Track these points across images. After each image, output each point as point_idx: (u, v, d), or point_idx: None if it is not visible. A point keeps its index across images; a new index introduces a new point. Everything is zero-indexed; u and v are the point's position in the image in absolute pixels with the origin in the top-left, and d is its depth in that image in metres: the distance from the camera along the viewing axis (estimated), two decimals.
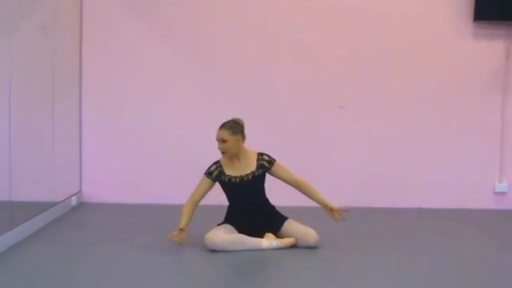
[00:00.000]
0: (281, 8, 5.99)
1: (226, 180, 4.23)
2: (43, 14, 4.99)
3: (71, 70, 5.77)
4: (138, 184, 6.03)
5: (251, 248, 4.12)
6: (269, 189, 4.40)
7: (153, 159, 6.02)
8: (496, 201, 6.11)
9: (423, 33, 6.00)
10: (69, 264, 3.84)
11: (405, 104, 6.04)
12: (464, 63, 6.03)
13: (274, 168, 4.29)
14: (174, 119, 6.01)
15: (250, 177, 4.23)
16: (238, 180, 4.22)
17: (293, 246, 4.21)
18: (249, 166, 4.25)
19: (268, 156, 4.32)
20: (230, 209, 4.34)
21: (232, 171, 4.23)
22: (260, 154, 4.31)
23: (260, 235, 4.21)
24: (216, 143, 4.19)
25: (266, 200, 4.37)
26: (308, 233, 4.24)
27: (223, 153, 4.20)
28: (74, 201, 5.71)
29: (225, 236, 4.11)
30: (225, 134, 4.14)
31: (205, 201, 5.73)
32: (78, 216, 5.41)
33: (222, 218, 4.32)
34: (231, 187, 4.24)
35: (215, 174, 4.23)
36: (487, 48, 6.00)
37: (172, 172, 6.01)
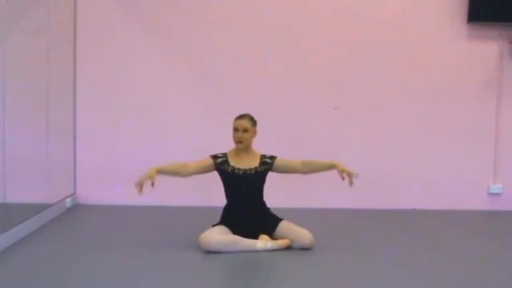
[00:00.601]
0: (276, 10, 5.99)
1: (229, 170, 4.26)
2: (37, 17, 4.98)
3: (66, 72, 5.76)
4: (133, 186, 6.00)
5: (245, 249, 4.12)
6: (265, 191, 4.41)
7: (147, 160, 5.99)
8: (490, 202, 6.12)
9: (417, 34, 6.01)
10: (64, 266, 3.83)
11: (399, 105, 6.05)
12: (458, 64, 6.04)
13: (276, 162, 4.34)
14: (169, 121, 6.00)
15: (253, 171, 4.28)
16: (241, 172, 4.26)
17: (288, 248, 4.21)
18: (253, 163, 4.31)
19: (270, 155, 4.39)
20: (227, 207, 4.35)
21: (237, 163, 4.28)
22: (263, 155, 4.37)
23: (255, 236, 4.22)
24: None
25: (263, 202, 4.39)
26: (303, 235, 4.24)
27: (239, 142, 4.25)
28: (68, 203, 5.70)
29: (220, 237, 4.11)
30: (248, 124, 4.24)
31: (201, 202, 5.80)
32: (72, 218, 5.40)
33: (217, 220, 4.32)
34: (233, 178, 4.27)
35: (219, 160, 4.28)
36: (481, 49, 6.02)
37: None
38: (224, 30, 5.98)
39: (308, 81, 6.00)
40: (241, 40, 5.98)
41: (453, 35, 6.02)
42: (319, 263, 3.96)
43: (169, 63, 5.96)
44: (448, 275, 3.73)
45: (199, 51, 5.97)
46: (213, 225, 4.28)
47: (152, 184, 4.08)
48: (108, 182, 5.99)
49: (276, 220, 4.33)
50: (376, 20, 6.00)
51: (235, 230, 4.21)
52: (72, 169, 5.95)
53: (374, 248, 4.39)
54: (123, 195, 5.96)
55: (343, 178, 4.24)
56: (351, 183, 4.22)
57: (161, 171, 4.17)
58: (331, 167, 4.32)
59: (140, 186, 4.08)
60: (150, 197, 5.92)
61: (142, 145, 5.99)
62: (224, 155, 4.32)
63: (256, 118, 4.37)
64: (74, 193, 5.95)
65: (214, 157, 4.30)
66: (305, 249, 4.21)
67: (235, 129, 4.27)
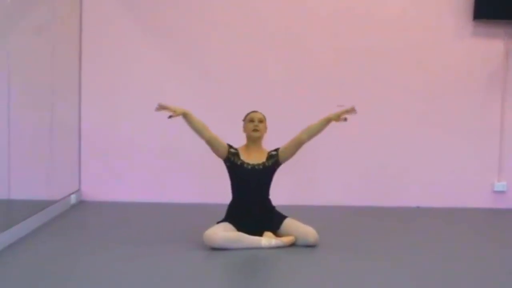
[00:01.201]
0: (277, 11, 5.99)
1: (239, 163, 4.30)
2: (42, 15, 4.98)
3: (71, 70, 5.76)
4: (137, 182, 6.03)
5: (250, 246, 4.12)
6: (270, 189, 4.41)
7: (151, 158, 6.02)
8: (495, 200, 6.11)
9: (423, 32, 6.00)
10: (68, 262, 3.84)
11: (404, 103, 6.04)
12: (463, 62, 6.03)
13: (281, 150, 4.39)
14: (172, 119, 5.98)
15: (261, 166, 4.32)
16: (249, 167, 4.30)
17: (292, 245, 4.21)
18: (261, 158, 4.36)
19: (274, 149, 4.44)
20: (232, 204, 4.36)
21: (246, 158, 4.34)
22: (269, 151, 4.43)
23: (259, 233, 4.22)
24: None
25: (269, 199, 4.40)
26: (308, 232, 4.24)
27: (255, 131, 4.32)
28: (73, 199, 5.71)
29: (224, 234, 4.11)
30: (262, 116, 4.39)
31: (206, 199, 5.80)
32: (77, 214, 5.41)
33: (221, 217, 4.32)
34: (241, 171, 4.29)
35: (232, 151, 4.35)
36: (486, 47, 6.00)
37: (170, 171, 6.00)
38: (225, 30, 5.97)
39: (308, 81, 5.98)
40: (242, 40, 5.97)
41: (459, 33, 6.00)
42: (323, 261, 3.95)
43: (172, 63, 5.95)
44: (451, 274, 3.73)
45: (201, 52, 5.96)
46: (218, 222, 4.28)
47: (170, 117, 4.18)
48: (112, 179, 5.99)
49: (281, 218, 4.34)
50: (378, 18, 5.99)
51: (240, 227, 4.21)
52: (77, 166, 5.95)
53: (378, 246, 4.39)
54: (127, 192, 5.98)
55: (345, 119, 4.31)
56: (353, 111, 4.28)
57: (187, 116, 4.24)
58: (327, 122, 4.38)
59: (162, 108, 4.16)
60: (154, 194, 5.98)
61: (145, 143, 5.99)
62: (236, 149, 4.37)
63: None
64: (79, 189, 5.96)
65: (229, 146, 4.35)
66: (309, 246, 4.21)
67: (251, 120, 4.35)
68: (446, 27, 6.01)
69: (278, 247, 4.15)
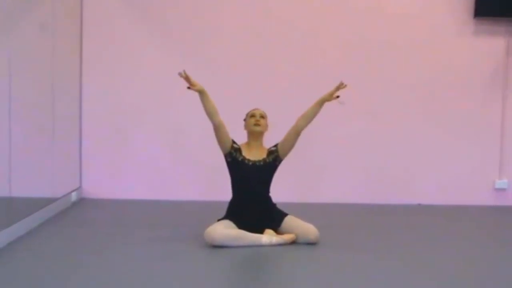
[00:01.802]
0: (282, 8, 5.98)
1: (240, 159, 4.30)
2: (43, 14, 4.97)
3: (71, 68, 5.76)
4: (138, 180, 6.03)
5: (251, 244, 4.12)
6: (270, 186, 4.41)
7: (152, 155, 6.02)
8: (496, 197, 6.12)
9: (424, 30, 6.00)
10: (69, 260, 3.83)
11: (405, 101, 6.04)
12: (464, 59, 6.03)
13: (280, 144, 4.40)
14: (173, 117, 6.00)
15: (261, 163, 4.33)
16: (250, 163, 4.31)
17: (293, 242, 4.21)
18: (262, 155, 4.38)
19: (273, 145, 4.46)
20: (233, 201, 4.36)
21: (247, 155, 4.35)
22: (269, 148, 4.45)
23: (260, 231, 4.22)
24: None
25: (269, 197, 4.40)
26: (309, 229, 4.24)
27: (257, 125, 4.34)
28: (74, 197, 5.71)
29: (225, 231, 4.11)
30: (263, 113, 4.43)
31: (206, 197, 5.80)
32: (78, 212, 5.41)
33: (223, 214, 4.32)
34: (242, 167, 4.30)
35: (235, 146, 4.36)
36: (487, 44, 6.00)
37: (171, 168, 6.01)
38: (230, 30, 5.96)
39: (312, 79, 5.96)
40: (248, 40, 5.97)
41: (460, 31, 6.00)
42: (324, 258, 3.95)
43: (174, 62, 5.90)
44: (452, 271, 3.73)
45: (204, 51, 5.94)
46: (219, 220, 4.28)
47: (188, 87, 4.20)
48: (114, 176, 6.00)
49: (282, 215, 4.33)
50: (381, 16, 5.98)
51: (241, 225, 4.21)
52: (78, 163, 5.96)
53: (379, 243, 4.39)
54: (128, 189, 5.99)
55: (338, 97, 4.42)
56: (343, 86, 4.43)
57: (203, 94, 4.27)
58: (322, 103, 4.44)
59: (185, 76, 4.16)
60: (155, 192, 5.99)
61: (147, 140, 5.99)
62: (238, 146, 4.39)
63: None
64: (80, 187, 5.96)
65: (233, 141, 4.36)
66: (310, 244, 4.20)
67: (252, 115, 4.38)
68: (447, 25, 6.01)
69: (279, 245, 4.15)
